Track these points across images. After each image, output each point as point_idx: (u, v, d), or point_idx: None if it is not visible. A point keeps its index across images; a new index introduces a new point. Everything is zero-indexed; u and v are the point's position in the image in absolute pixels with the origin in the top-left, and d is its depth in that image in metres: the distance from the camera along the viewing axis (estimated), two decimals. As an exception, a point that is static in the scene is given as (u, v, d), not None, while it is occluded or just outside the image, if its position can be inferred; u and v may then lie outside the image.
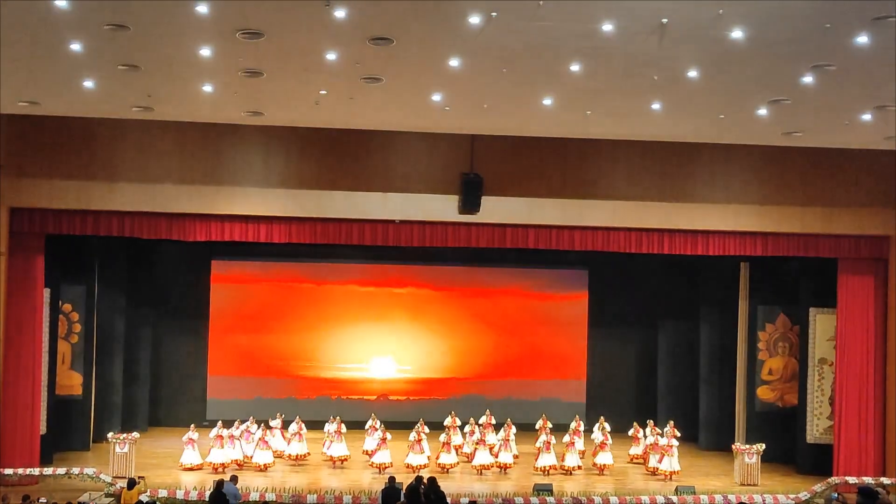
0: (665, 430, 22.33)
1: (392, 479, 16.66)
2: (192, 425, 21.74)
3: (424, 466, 21.24)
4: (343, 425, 22.47)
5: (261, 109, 17.58)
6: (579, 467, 22.01)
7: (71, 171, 19.36)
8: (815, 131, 18.19)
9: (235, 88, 15.88)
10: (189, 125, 19.28)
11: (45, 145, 19.20)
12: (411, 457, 21.57)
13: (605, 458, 22.10)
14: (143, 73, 14.85)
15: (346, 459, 22.30)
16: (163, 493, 18.13)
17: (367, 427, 23.06)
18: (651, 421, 23.60)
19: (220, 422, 21.92)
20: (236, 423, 22.39)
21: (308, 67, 14.42)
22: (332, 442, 22.39)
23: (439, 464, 21.89)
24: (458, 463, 22.30)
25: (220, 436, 21.20)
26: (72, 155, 19.39)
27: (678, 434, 22.27)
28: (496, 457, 22.11)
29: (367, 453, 22.62)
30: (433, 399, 27.17)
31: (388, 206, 20.21)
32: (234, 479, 17.50)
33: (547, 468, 21.63)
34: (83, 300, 23.01)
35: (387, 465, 21.49)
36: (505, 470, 21.98)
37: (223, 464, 20.87)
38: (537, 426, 23.14)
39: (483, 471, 21.83)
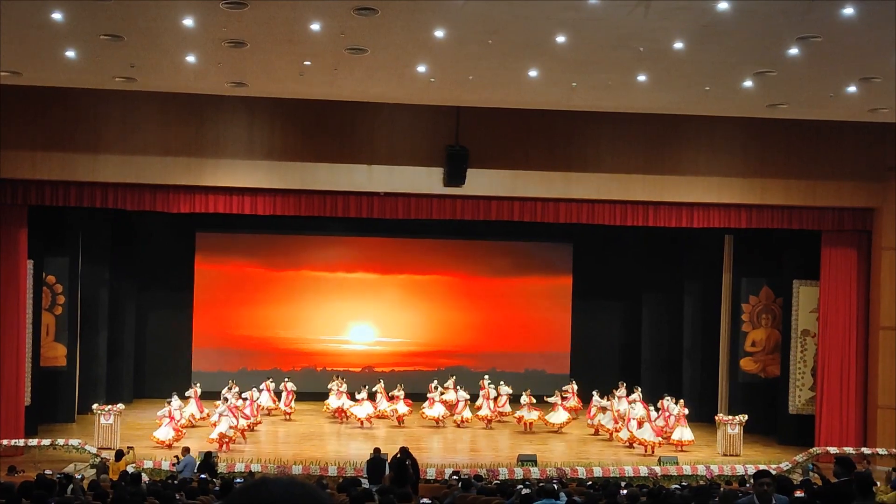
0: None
1: (377, 450, 16.78)
2: (168, 402, 21.61)
3: (405, 415, 23.74)
4: (345, 384, 24.46)
5: (245, 80, 17.48)
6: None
7: (54, 142, 19.25)
8: (800, 103, 18.22)
9: (219, 59, 15.78)
10: (173, 96, 19.16)
11: (27, 116, 19.07)
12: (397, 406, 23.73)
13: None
14: (125, 44, 14.73)
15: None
16: (148, 464, 18.17)
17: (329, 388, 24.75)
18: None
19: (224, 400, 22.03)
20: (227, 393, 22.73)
21: (292, 38, 14.34)
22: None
23: (424, 415, 23.82)
24: (444, 416, 23.91)
25: (223, 413, 21.14)
26: (55, 126, 19.27)
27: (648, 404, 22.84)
28: (478, 409, 24.16)
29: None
30: (417, 370, 27.23)
31: (373, 178, 20.16)
32: (187, 450, 17.54)
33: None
34: (67, 272, 22.95)
35: (371, 417, 23.48)
36: (488, 423, 23.89)
37: (230, 437, 20.79)
38: (567, 388, 24.64)
39: (463, 424, 23.79)
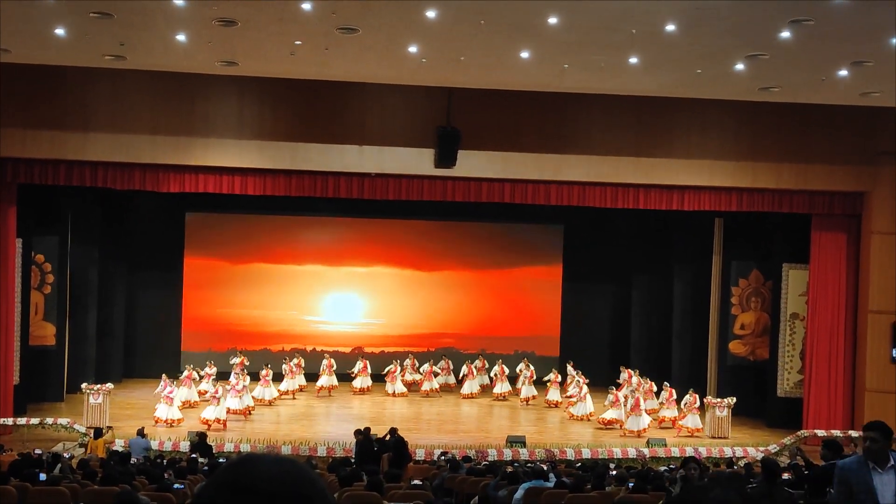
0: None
1: (368, 429, 16.78)
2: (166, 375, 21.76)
3: (404, 394, 25.18)
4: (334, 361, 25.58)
5: (235, 59, 17.37)
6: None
7: (43, 120, 19.13)
8: (792, 87, 18.19)
9: (209, 38, 15.68)
10: (163, 75, 19.04)
11: (16, 94, 18.93)
12: (388, 386, 25.16)
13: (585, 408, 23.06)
14: (115, 21, 14.63)
15: (333, 388, 25.33)
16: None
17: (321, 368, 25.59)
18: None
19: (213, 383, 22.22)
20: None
21: (283, 17, 14.26)
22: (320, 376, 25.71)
23: (423, 390, 25.45)
24: (437, 388, 25.62)
25: (215, 395, 21.15)
26: (44, 104, 19.16)
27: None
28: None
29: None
30: (408, 352, 27.26)
31: (364, 159, 20.10)
32: (142, 431, 17.61)
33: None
34: (56, 251, 22.88)
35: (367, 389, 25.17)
36: (503, 397, 25.18)
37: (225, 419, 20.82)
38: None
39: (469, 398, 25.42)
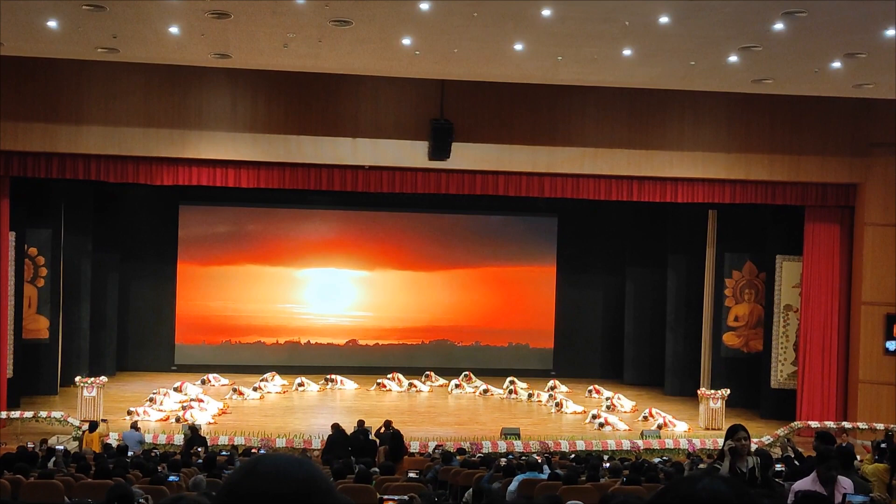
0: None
1: (361, 422, 16.80)
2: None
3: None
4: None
5: (228, 52, 17.34)
6: None
7: (36, 113, 19.08)
8: (786, 79, 18.21)
9: (202, 30, 15.65)
10: (156, 68, 19.01)
11: (9, 87, 18.86)
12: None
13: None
14: (108, 14, 14.60)
15: None
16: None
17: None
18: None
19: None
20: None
21: (276, 9, 14.24)
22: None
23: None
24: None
25: (200, 398, 21.27)
26: (37, 97, 19.11)
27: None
28: None
29: None
30: (402, 344, 27.27)
31: (357, 151, 20.08)
32: (135, 425, 17.69)
33: None
34: (49, 244, 22.81)
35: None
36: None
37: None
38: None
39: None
